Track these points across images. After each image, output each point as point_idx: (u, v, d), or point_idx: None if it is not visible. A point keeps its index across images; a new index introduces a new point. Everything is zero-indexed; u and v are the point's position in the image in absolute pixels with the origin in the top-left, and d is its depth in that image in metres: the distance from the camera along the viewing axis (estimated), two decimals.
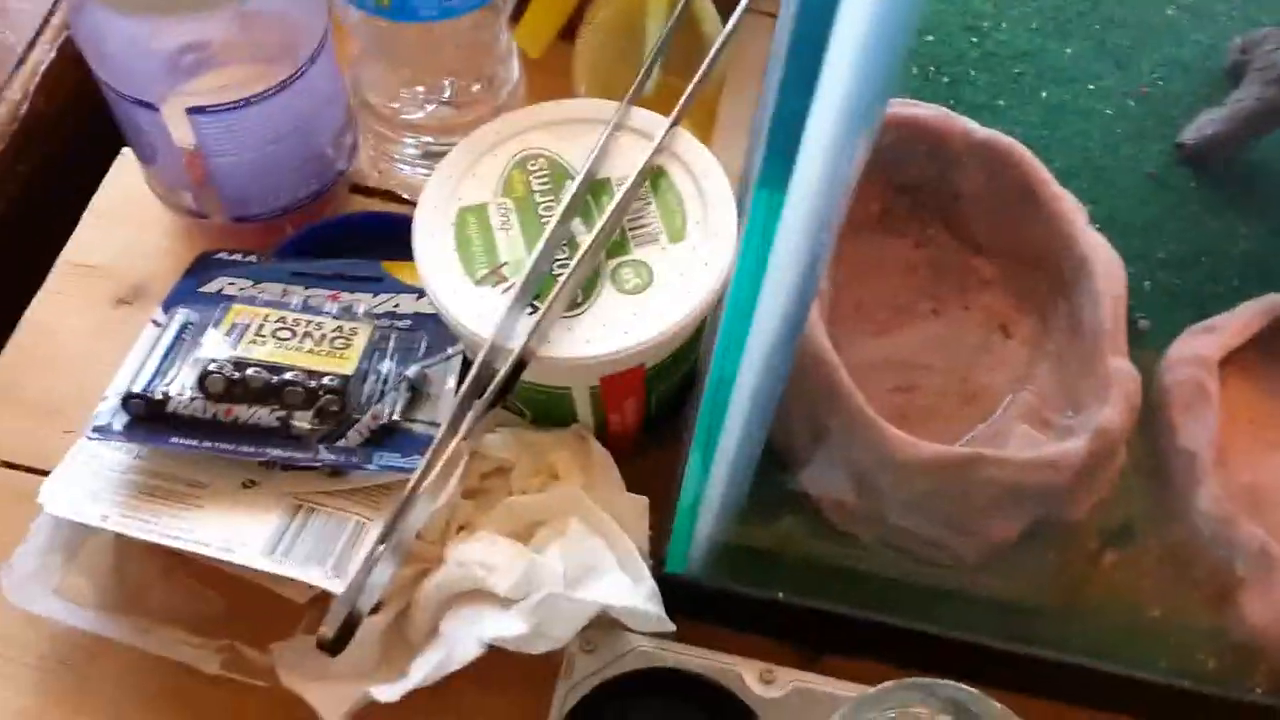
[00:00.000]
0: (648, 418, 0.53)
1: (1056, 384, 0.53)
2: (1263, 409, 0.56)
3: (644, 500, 0.49)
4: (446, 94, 0.61)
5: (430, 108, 0.61)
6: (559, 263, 0.48)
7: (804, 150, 0.29)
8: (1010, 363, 0.56)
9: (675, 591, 0.48)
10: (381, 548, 0.43)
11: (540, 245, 0.47)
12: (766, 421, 0.43)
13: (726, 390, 0.39)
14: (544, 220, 0.49)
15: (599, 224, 0.48)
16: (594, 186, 0.50)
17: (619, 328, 0.46)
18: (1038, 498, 0.50)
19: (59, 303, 0.62)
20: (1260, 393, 0.56)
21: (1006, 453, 0.49)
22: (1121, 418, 0.49)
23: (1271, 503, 0.53)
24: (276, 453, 0.48)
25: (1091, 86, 0.65)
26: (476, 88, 0.61)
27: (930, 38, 0.67)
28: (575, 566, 0.46)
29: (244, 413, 0.48)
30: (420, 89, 0.61)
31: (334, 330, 0.51)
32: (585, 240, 0.48)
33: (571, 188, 0.49)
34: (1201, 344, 0.54)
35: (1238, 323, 0.55)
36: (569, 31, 0.64)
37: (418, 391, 0.51)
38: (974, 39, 0.67)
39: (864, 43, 0.26)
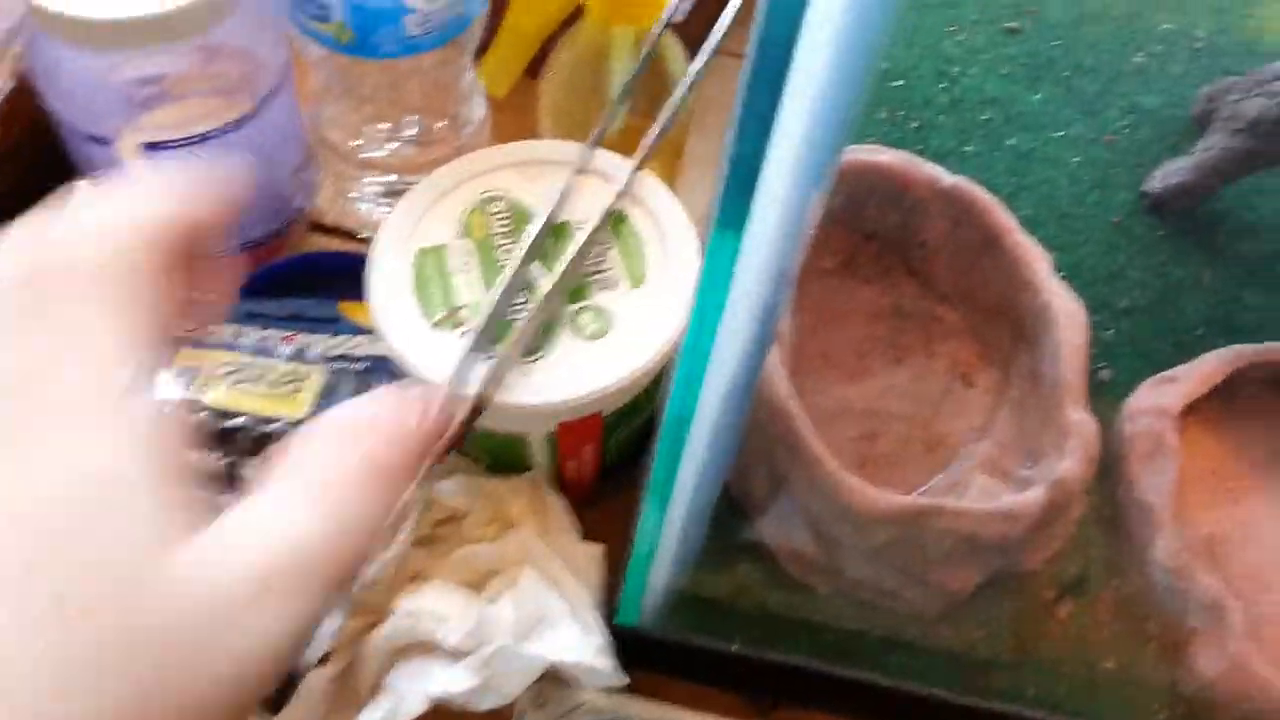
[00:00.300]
0: (605, 465, 0.52)
1: (1016, 434, 0.53)
2: (1224, 460, 0.56)
3: (599, 549, 0.49)
4: (408, 132, 0.60)
5: (392, 146, 0.60)
6: (517, 307, 0.47)
7: (759, 196, 0.28)
8: (972, 412, 0.55)
9: (628, 642, 0.47)
10: None
11: (499, 289, 0.47)
12: (723, 469, 0.43)
13: (682, 437, 0.38)
14: (503, 264, 0.48)
15: (558, 269, 0.47)
16: (555, 230, 0.49)
17: (577, 374, 0.45)
18: (995, 549, 0.49)
19: None
20: (1221, 444, 0.56)
21: (963, 504, 0.49)
22: (1080, 469, 0.49)
23: (1230, 554, 0.53)
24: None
25: (1059, 134, 0.65)
26: (440, 126, 0.61)
27: (900, 82, 0.67)
28: (526, 618, 0.45)
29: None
30: (382, 127, 0.60)
31: (286, 374, 0.50)
32: (544, 285, 0.47)
33: (532, 231, 0.49)
34: (1162, 394, 0.54)
35: (1200, 373, 0.55)
36: (535, 69, 0.63)
37: None
38: (943, 84, 0.67)
39: (820, 95, 0.26)
